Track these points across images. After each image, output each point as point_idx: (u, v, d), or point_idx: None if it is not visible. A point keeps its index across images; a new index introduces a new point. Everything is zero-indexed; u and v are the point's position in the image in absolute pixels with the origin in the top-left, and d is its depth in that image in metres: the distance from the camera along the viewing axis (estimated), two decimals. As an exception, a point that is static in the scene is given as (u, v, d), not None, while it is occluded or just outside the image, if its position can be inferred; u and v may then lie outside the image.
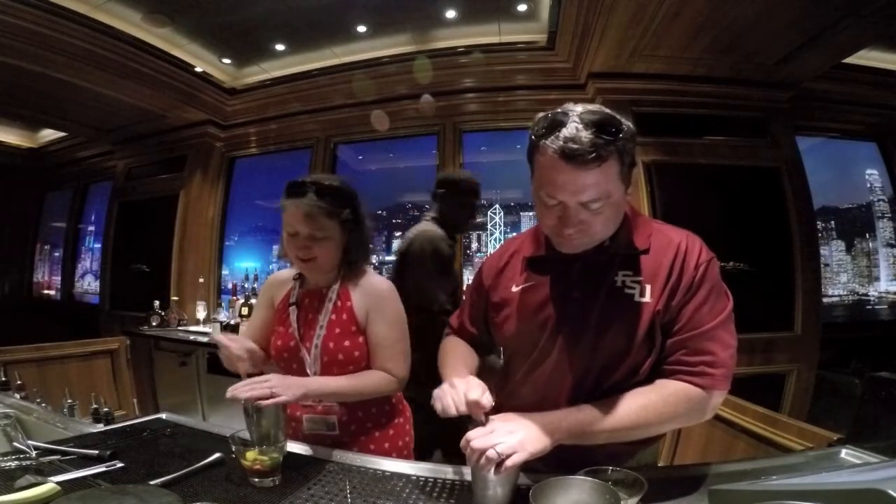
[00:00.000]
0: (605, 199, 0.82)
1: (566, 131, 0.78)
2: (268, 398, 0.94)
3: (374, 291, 1.25)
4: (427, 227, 2.15)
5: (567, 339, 0.93)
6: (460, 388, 0.85)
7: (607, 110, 0.82)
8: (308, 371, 1.21)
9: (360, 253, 1.27)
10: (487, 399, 0.84)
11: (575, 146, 0.77)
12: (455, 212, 2.19)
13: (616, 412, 0.85)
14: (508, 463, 0.75)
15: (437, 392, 0.89)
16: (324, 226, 1.18)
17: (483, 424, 0.83)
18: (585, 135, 0.77)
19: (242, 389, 0.94)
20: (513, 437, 0.78)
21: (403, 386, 1.26)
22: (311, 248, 1.18)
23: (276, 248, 1.45)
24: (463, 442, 0.79)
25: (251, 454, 0.88)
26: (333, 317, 1.22)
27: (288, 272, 1.35)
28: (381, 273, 4.09)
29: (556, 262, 0.97)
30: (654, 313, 0.88)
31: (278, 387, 0.98)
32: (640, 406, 0.85)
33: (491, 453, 0.75)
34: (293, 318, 1.25)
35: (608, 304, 0.91)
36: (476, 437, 0.78)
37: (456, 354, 1.11)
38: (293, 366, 1.23)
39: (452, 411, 0.83)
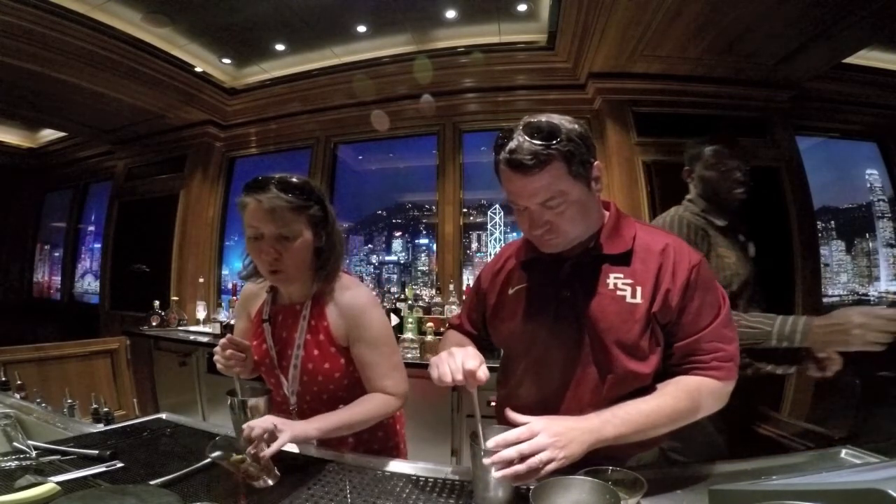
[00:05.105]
0: (562, 198, 0.87)
1: (511, 143, 0.86)
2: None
3: (351, 310, 1.15)
4: (675, 211, 1.58)
5: (561, 339, 0.95)
6: (458, 357, 0.84)
7: (555, 118, 0.87)
8: (286, 392, 1.17)
9: (333, 257, 1.16)
10: (484, 371, 0.84)
11: (517, 156, 0.85)
12: (716, 184, 1.58)
13: (644, 413, 0.84)
14: (549, 468, 0.74)
15: (434, 359, 0.89)
16: (290, 222, 1.07)
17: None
18: (526, 144, 0.84)
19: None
20: (560, 440, 0.76)
21: (406, 401, 1.20)
22: (280, 257, 1.07)
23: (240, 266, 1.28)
24: (498, 441, 0.75)
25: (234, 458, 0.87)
26: (309, 336, 1.16)
27: (261, 284, 1.26)
28: (381, 273, 4.15)
29: (546, 263, 0.99)
30: (648, 314, 0.89)
31: (284, 432, 0.92)
32: (664, 404, 0.86)
33: (534, 462, 0.73)
34: (267, 335, 1.19)
35: (600, 305, 0.92)
36: (521, 441, 0.75)
37: (457, 340, 1.14)
38: (271, 380, 1.21)
39: (448, 379, 0.83)
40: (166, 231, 4.09)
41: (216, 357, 1.11)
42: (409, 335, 2.63)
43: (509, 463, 0.73)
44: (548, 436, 0.76)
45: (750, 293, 1.48)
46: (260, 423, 0.90)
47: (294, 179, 1.11)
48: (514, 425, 0.79)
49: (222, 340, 1.11)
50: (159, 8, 2.80)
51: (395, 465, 1.01)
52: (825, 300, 3.20)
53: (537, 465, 0.73)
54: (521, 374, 1.02)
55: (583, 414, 0.84)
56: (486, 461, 0.75)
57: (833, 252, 3.61)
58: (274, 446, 0.89)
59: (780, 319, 1.21)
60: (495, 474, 0.74)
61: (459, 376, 0.82)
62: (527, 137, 0.85)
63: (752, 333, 1.23)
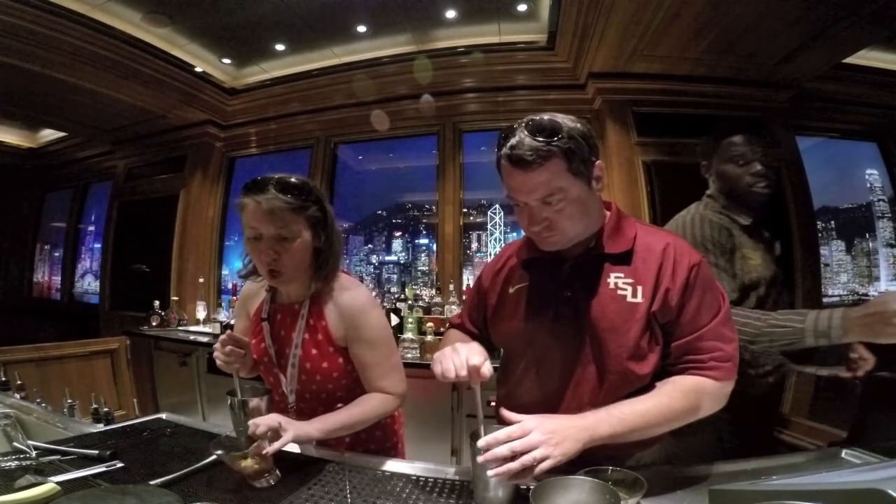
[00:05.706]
0: (561, 194, 0.87)
1: (513, 140, 0.87)
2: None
3: (349, 311, 1.15)
4: (695, 209, 1.47)
5: (561, 338, 0.95)
6: (462, 353, 0.84)
7: (558, 117, 0.88)
8: (284, 389, 1.18)
9: (332, 257, 1.16)
10: (488, 368, 0.83)
11: (518, 152, 0.86)
12: (736, 179, 1.46)
13: (640, 412, 0.84)
14: (544, 466, 0.74)
15: (437, 355, 0.89)
16: (289, 222, 1.08)
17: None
18: (528, 140, 0.85)
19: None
20: (553, 437, 0.76)
21: (404, 401, 1.20)
22: (279, 257, 1.08)
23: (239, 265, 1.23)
24: (489, 441, 0.76)
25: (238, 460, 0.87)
26: (307, 336, 1.16)
27: (260, 283, 1.26)
28: (381, 274, 4.15)
29: (547, 262, 0.99)
30: (648, 314, 0.89)
31: (288, 430, 0.94)
32: (661, 404, 0.86)
33: (527, 460, 0.73)
34: (266, 334, 1.20)
35: (601, 304, 0.92)
36: (513, 439, 0.75)
37: (458, 339, 1.13)
38: (270, 378, 1.22)
39: (452, 375, 0.83)
40: (166, 231, 4.09)
41: (216, 353, 1.12)
42: (409, 335, 2.63)
43: (503, 461, 0.73)
44: (541, 433, 0.75)
45: (776, 295, 1.42)
46: (265, 421, 0.91)
47: (293, 180, 1.11)
48: (511, 425, 0.79)
49: (222, 337, 1.11)
50: (159, 8, 2.80)
51: (395, 465, 1.01)
52: (825, 300, 3.20)
53: (530, 463, 0.72)
54: (520, 373, 1.02)
55: (581, 413, 0.84)
56: (479, 459, 0.75)
57: (833, 252, 3.61)
58: (277, 444, 0.89)
59: (812, 315, 1.07)
60: (488, 472, 0.74)
61: (464, 372, 0.82)
62: (528, 134, 0.86)
63: (785, 332, 1.10)
